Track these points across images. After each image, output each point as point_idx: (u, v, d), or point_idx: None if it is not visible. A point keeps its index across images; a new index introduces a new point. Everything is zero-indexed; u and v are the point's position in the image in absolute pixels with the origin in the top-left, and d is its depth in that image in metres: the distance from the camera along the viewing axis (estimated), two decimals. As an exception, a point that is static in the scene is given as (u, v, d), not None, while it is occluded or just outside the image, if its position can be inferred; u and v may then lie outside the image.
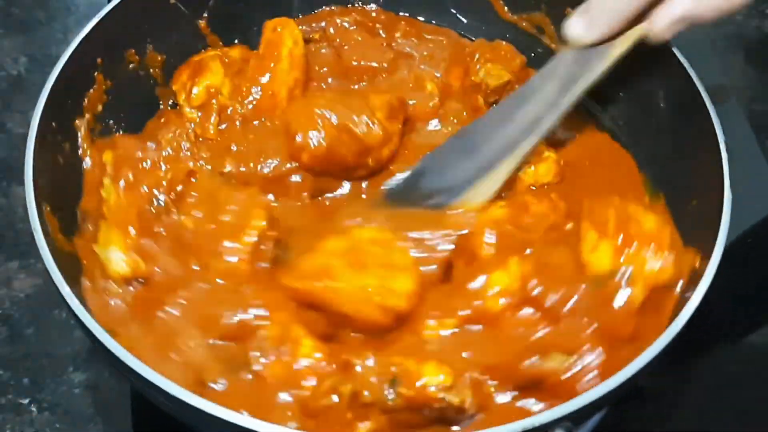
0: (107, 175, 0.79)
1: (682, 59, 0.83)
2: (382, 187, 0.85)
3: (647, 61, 0.87)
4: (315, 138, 0.82)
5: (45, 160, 0.75)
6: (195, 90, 0.87)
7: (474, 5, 1.00)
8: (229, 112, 0.87)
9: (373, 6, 1.01)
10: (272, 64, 0.87)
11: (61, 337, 0.89)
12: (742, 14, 1.22)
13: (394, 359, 0.66)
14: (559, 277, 0.72)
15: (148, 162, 0.80)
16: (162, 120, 0.88)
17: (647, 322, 0.72)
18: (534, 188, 0.84)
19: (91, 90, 0.84)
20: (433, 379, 0.65)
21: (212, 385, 0.68)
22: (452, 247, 0.77)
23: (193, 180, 0.81)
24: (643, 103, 0.89)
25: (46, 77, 0.78)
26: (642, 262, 0.73)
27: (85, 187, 0.80)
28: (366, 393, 0.64)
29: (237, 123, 0.87)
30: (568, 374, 0.68)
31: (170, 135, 0.84)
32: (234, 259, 0.74)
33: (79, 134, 0.81)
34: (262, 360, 0.68)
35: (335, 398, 0.65)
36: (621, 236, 0.74)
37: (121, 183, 0.79)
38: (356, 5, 1.01)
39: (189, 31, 0.94)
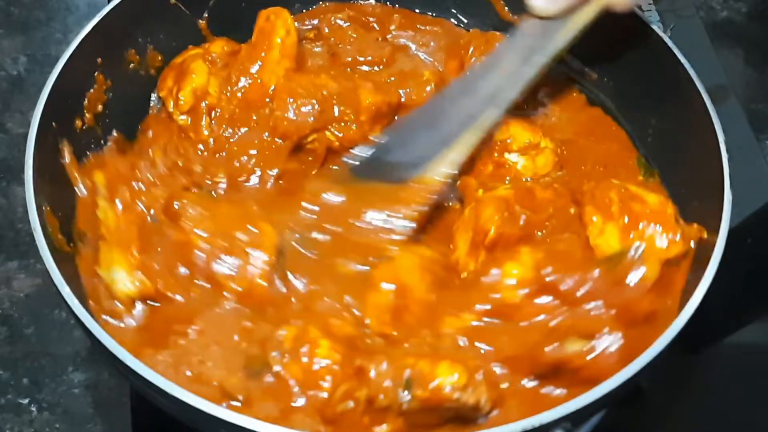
0: (101, 196, 0.78)
1: (682, 59, 0.83)
2: (348, 161, 0.85)
3: (647, 62, 0.87)
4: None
5: (45, 160, 0.75)
6: (181, 96, 0.85)
7: (475, 4, 1.00)
8: (218, 112, 0.86)
9: (372, 1, 1.01)
10: (263, 53, 0.87)
11: (61, 337, 0.89)
12: (742, 14, 1.22)
13: (407, 361, 0.66)
14: (571, 263, 0.72)
15: (142, 183, 0.79)
16: (150, 134, 0.86)
17: (658, 302, 0.72)
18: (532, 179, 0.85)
19: (91, 90, 0.84)
20: (447, 380, 0.64)
21: (235, 403, 0.68)
22: (414, 225, 0.79)
23: (185, 200, 0.79)
24: (642, 104, 0.89)
25: (46, 77, 0.78)
26: (651, 239, 0.74)
27: (78, 207, 0.79)
28: (381, 397, 0.64)
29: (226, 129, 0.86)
30: (589, 357, 0.68)
31: (160, 154, 0.83)
32: (256, 279, 0.74)
33: (65, 161, 0.79)
34: (283, 360, 0.68)
35: (351, 404, 0.65)
36: (626, 217, 0.75)
37: (118, 204, 0.77)
38: (356, 1, 1.01)
39: (189, 31, 0.94)
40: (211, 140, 0.85)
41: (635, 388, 0.67)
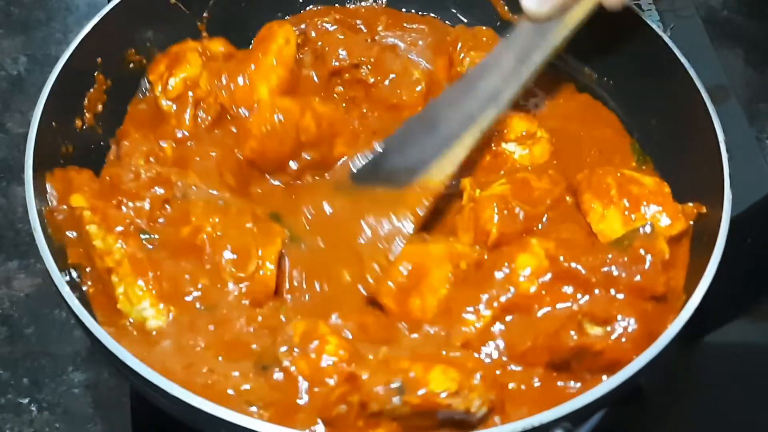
0: (91, 222, 0.73)
1: (682, 59, 0.83)
2: (347, 169, 0.85)
3: (647, 62, 0.87)
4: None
5: (45, 160, 0.75)
6: (171, 81, 0.85)
7: (475, 4, 1.00)
8: (203, 107, 0.85)
9: (366, 4, 1.01)
10: (259, 56, 0.87)
11: (61, 337, 0.89)
12: (742, 14, 1.22)
13: (402, 364, 0.66)
14: (581, 250, 0.72)
15: (127, 198, 0.76)
16: (125, 147, 0.83)
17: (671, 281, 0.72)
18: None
19: (91, 90, 0.84)
20: (438, 386, 0.64)
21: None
22: (413, 228, 0.79)
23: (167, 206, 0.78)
24: (642, 104, 0.89)
25: (46, 77, 0.78)
26: (654, 219, 0.75)
27: (68, 244, 0.74)
28: (373, 403, 0.64)
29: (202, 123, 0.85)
30: (613, 337, 0.68)
31: (131, 171, 0.79)
32: (266, 274, 0.74)
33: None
34: (292, 355, 0.68)
35: (344, 408, 0.65)
36: (626, 200, 0.76)
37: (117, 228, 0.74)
38: (360, 4, 1.01)
39: (189, 31, 0.94)
40: (185, 132, 0.84)
41: (635, 388, 0.67)
